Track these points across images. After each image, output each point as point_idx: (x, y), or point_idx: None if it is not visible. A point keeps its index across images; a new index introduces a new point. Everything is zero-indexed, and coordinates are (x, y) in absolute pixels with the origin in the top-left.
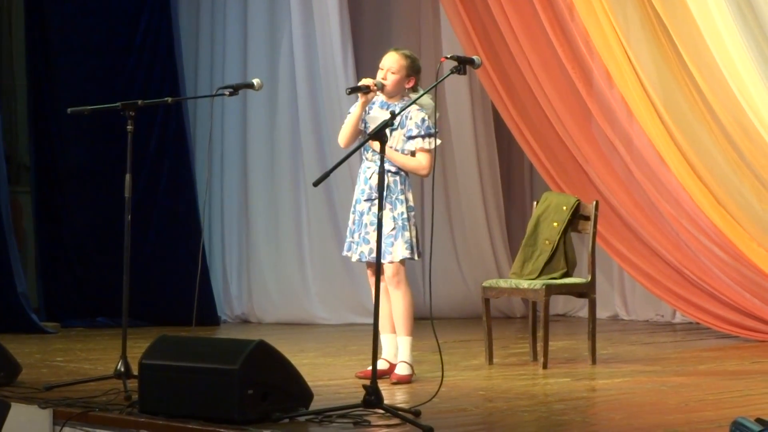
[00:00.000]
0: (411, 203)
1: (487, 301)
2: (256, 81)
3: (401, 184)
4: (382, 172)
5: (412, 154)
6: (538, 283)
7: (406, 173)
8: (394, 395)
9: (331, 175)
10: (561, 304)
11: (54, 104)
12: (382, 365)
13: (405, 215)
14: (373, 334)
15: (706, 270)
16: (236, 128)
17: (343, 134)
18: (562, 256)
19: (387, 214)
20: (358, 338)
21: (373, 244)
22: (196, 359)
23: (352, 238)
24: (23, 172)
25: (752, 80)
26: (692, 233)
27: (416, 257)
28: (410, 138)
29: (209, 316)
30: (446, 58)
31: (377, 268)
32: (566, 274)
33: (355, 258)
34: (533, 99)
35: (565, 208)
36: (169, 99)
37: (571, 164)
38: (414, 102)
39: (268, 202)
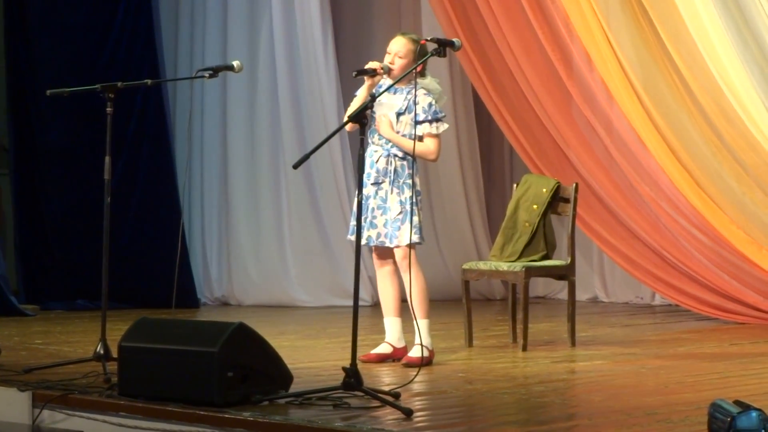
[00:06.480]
0: (418, 188)
1: (466, 283)
2: (236, 63)
3: (409, 168)
4: (362, 155)
5: (420, 139)
6: (517, 266)
7: (414, 157)
8: (374, 378)
9: (311, 157)
10: (541, 286)
11: (33, 85)
12: (385, 349)
13: (413, 200)
14: (353, 316)
15: (686, 252)
16: (216, 110)
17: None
18: (542, 239)
19: (394, 198)
20: (337, 320)
21: (381, 229)
22: (175, 342)
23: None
24: (2, 153)
25: (731, 63)
26: (672, 216)
27: (421, 241)
28: (418, 123)
29: (189, 298)
30: (426, 40)
31: (356, 250)
32: (546, 257)
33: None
34: (513, 82)
35: (545, 190)
36: (149, 81)
37: (551, 147)
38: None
39: (248, 184)
